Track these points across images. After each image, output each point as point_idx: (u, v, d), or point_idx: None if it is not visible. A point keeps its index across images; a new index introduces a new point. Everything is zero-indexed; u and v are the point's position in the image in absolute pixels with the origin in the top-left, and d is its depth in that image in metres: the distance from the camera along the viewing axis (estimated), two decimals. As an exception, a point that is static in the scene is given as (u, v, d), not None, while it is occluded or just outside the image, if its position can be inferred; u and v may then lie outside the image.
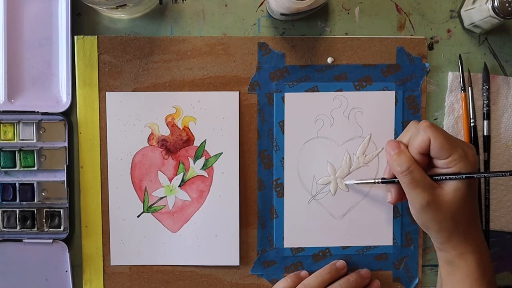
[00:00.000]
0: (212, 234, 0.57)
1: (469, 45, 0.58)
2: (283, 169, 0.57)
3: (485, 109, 0.58)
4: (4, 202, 0.56)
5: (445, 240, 0.50)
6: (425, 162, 0.50)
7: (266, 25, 0.57)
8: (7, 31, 0.55)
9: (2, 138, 0.56)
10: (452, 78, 0.58)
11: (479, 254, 0.50)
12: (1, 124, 0.56)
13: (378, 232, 0.58)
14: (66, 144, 0.56)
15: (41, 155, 0.56)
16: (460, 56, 0.58)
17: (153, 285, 0.58)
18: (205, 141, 0.56)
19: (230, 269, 0.58)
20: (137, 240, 0.57)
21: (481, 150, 0.58)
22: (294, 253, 0.58)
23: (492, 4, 0.52)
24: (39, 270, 0.57)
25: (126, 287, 0.57)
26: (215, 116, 0.56)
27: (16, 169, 0.56)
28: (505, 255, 0.60)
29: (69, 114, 0.56)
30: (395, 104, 0.57)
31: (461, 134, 0.58)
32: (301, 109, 0.57)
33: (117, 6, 0.50)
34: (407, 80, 0.57)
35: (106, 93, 0.56)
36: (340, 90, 0.57)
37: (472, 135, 0.57)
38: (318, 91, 0.57)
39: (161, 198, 0.57)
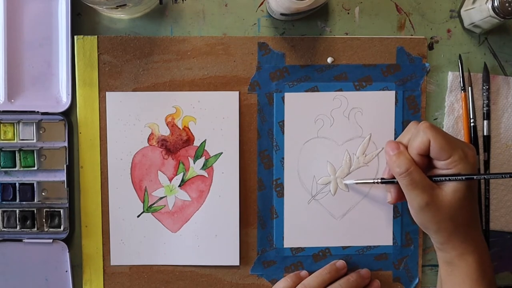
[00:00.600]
0: (212, 234, 0.57)
1: (469, 45, 0.58)
2: (283, 169, 0.57)
3: (485, 109, 0.58)
4: (4, 202, 0.56)
5: (444, 240, 0.50)
6: (425, 163, 0.50)
7: (266, 25, 0.57)
8: (7, 31, 0.55)
9: (2, 138, 0.56)
10: (452, 78, 0.58)
11: (479, 255, 0.50)
12: (1, 124, 0.56)
13: (378, 232, 0.58)
14: (66, 144, 0.56)
15: (41, 155, 0.56)
16: (460, 56, 0.58)
17: (153, 285, 0.58)
18: (205, 141, 0.56)
19: (230, 269, 0.58)
20: (137, 240, 0.57)
21: (481, 150, 0.58)
22: (294, 253, 0.58)
23: (492, 4, 0.52)
24: (39, 270, 0.57)
25: (126, 287, 0.57)
26: (215, 116, 0.56)
27: (16, 169, 0.56)
28: (505, 255, 0.60)
29: (69, 114, 0.56)
30: (395, 104, 0.57)
31: (461, 134, 0.58)
32: (301, 109, 0.57)
33: (117, 6, 0.50)
34: (407, 80, 0.57)
35: (106, 93, 0.56)
36: (340, 90, 0.57)
37: (472, 135, 0.57)
38: (318, 91, 0.57)
39: (161, 198, 0.57)
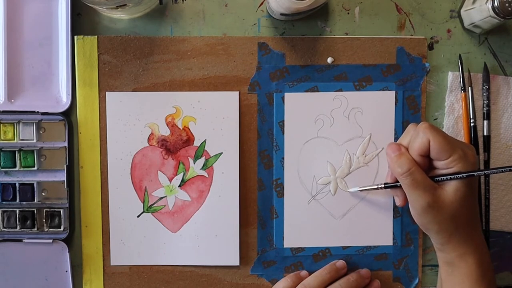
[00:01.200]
0: (212, 234, 0.57)
1: (469, 45, 0.58)
2: (283, 169, 0.57)
3: (485, 109, 0.58)
4: (4, 202, 0.56)
5: (445, 241, 0.50)
6: (425, 164, 0.50)
7: (266, 25, 0.57)
8: (7, 31, 0.55)
9: (2, 138, 0.56)
10: (452, 78, 0.58)
11: (479, 255, 0.50)
12: (1, 124, 0.56)
13: (378, 232, 0.58)
14: (66, 144, 0.56)
15: (41, 155, 0.56)
16: (460, 56, 0.58)
17: (153, 285, 0.58)
18: (205, 141, 0.56)
19: (230, 269, 0.58)
20: (137, 240, 0.57)
21: (481, 150, 0.58)
22: (294, 253, 0.58)
23: (492, 4, 0.52)
24: (39, 270, 0.57)
25: (126, 287, 0.57)
26: (215, 116, 0.56)
27: (16, 169, 0.56)
28: (505, 255, 0.60)
29: (69, 114, 0.56)
30: (395, 104, 0.57)
31: (461, 134, 0.58)
32: (301, 109, 0.57)
33: (117, 6, 0.50)
34: (407, 80, 0.57)
35: (106, 93, 0.56)
36: (340, 90, 0.57)
37: (472, 135, 0.57)
38: (318, 91, 0.57)
39: (161, 198, 0.57)
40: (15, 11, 0.55)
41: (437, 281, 0.58)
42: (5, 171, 0.56)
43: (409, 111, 0.57)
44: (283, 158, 0.57)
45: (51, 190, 0.56)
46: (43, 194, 0.56)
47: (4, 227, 0.56)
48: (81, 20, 0.56)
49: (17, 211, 0.56)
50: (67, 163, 0.56)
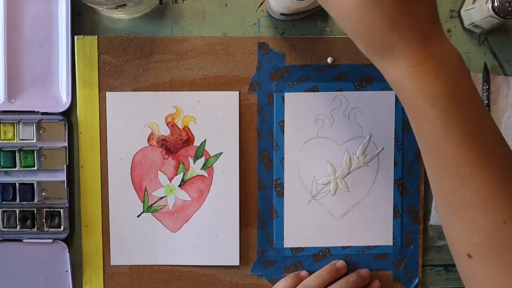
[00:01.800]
0: (212, 234, 0.57)
1: (469, 45, 0.58)
2: (283, 169, 0.57)
3: (485, 109, 0.57)
4: (4, 202, 0.56)
5: (396, 38, 0.34)
6: None
7: (266, 25, 0.57)
8: (7, 31, 0.55)
9: (2, 138, 0.56)
10: (452, 78, 0.58)
11: (450, 69, 0.34)
12: (1, 124, 0.56)
13: (378, 232, 0.58)
14: (66, 144, 0.56)
15: (41, 155, 0.56)
16: (460, 56, 0.58)
17: (153, 285, 0.58)
18: (205, 141, 0.56)
19: (230, 269, 0.58)
20: (137, 240, 0.57)
21: (481, 150, 0.58)
22: (294, 253, 0.58)
23: (492, 4, 0.52)
24: (39, 270, 0.57)
25: (126, 287, 0.57)
26: (215, 116, 0.56)
27: (16, 169, 0.56)
28: (505, 255, 0.60)
29: (69, 114, 0.56)
30: (395, 104, 0.57)
31: (461, 134, 0.58)
32: (301, 109, 0.57)
33: (117, 6, 0.50)
34: (407, 80, 0.57)
35: (106, 93, 0.56)
36: (340, 90, 0.57)
37: (472, 135, 0.57)
38: (318, 91, 0.57)
39: (161, 198, 0.57)
40: (15, 11, 0.55)
41: (437, 282, 0.59)
42: (5, 171, 0.56)
43: (409, 111, 0.57)
44: (283, 158, 0.57)
45: (51, 190, 0.56)
46: (43, 194, 0.56)
47: (4, 227, 0.56)
48: (81, 20, 0.56)
49: (17, 211, 0.56)
50: (67, 163, 0.56)
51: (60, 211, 0.56)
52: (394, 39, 0.35)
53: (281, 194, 0.57)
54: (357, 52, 0.57)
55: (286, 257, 0.58)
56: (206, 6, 0.56)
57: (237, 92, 0.56)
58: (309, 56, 0.57)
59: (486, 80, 0.57)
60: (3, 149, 0.56)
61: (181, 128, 0.56)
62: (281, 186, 0.57)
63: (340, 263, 0.57)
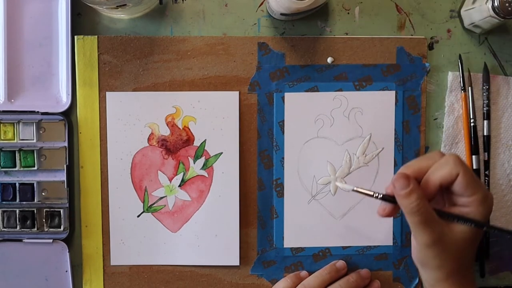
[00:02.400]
0: (212, 234, 0.57)
1: (469, 45, 0.58)
2: (283, 169, 0.57)
3: (485, 109, 0.58)
4: (4, 202, 0.56)
5: (442, 277, 0.47)
6: (440, 195, 0.48)
7: (266, 25, 0.57)
8: (7, 31, 0.55)
9: (2, 138, 0.56)
10: (452, 78, 0.58)
11: None
12: (1, 124, 0.56)
13: (378, 232, 0.58)
14: (66, 144, 0.56)
15: (41, 155, 0.56)
16: (460, 56, 0.58)
17: (153, 285, 0.58)
18: (205, 141, 0.56)
19: (230, 269, 0.58)
20: (137, 240, 0.57)
21: (481, 150, 0.58)
22: (294, 253, 0.58)
23: (492, 4, 0.52)
24: (39, 270, 0.57)
25: (126, 287, 0.57)
26: (215, 116, 0.56)
27: (16, 169, 0.56)
28: (505, 255, 0.60)
29: (69, 114, 0.56)
30: (395, 104, 0.57)
31: (461, 134, 0.58)
32: (301, 109, 0.57)
33: (117, 6, 0.50)
34: (407, 80, 0.57)
35: (106, 93, 0.56)
36: (340, 90, 0.57)
37: (472, 135, 0.57)
38: (318, 91, 0.57)
39: (161, 198, 0.57)
40: (15, 11, 0.55)
41: None
42: (5, 171, 0.56)
43: (409, 111, 0.57)
44: (283, 158, 0.57)
45: (51, 190, 0.56)
46: (43, 194, 0.56)
47: (4, 227, 0.56)
48: (81, 20, 0.56)
49: (17, 211, 0.56)
50: (67, 163, 0.56)
51: (60, 211, 0.56)
52: (441, 278, 0.48)
53: (281, 194, 0.57)
54: (357, 52, 0.57)
55: (286, 257, 0.58)
56: (206, 6, 0.56)
57: (237, 92, 0.56)
58: (309, 56, 0.57)
59: (486, 80, 0.57)
60: (3, 149, 0.56)
61: (181, 128, 0.56)
62: (281, 186, 0.57)
63: (340, 263, 0.57)
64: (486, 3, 0.53)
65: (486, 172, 0.58)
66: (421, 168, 0.46)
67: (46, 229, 0.56)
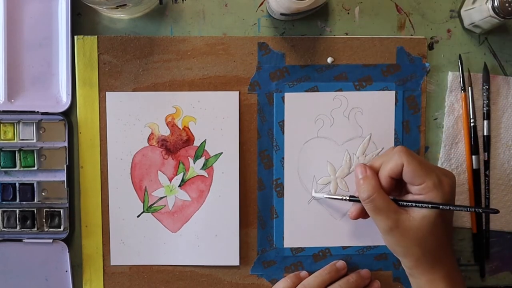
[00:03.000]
0: (212, 234, 0.57)
1: (469, 45, 0.58)
2: (283, 169, 0.57)
3: (485, 109, 0.58)
4: (4, 202, 0.56)
5: (412, 265, 0.50)
6: (397, 186, 0.51)
7: (266, 25, 0.57)
8: (7, 31, 0.55)
9: (2, 138, 0.56)
10: (452, 78, 0.58)
11: (451, 281, 0.49)
12: (1, 124, 0.56)
13: (378, 232, 0.58)
14: (66, 144, 0.56)
15: (41, 155, 0.56)
16: (460, 56, 0.58)
17: (153, 285, 0.58)
18: (205, 141, 0.56)
19: (230, 269, 0.58)
20: (137, 240, 0.57)
21: (481, 150, 0.58)
22: (294, 253, 0.58)
23: (492, 4, 0.52)
24: (39, 270, 0.57)
25: (126, 287, 0.57)
26: (215, 116, 0.56)
27: (16, 169, 0.56)
28: (505, 255, 0.60)
29: (69, 114, 0.56)
30: (395, 104, 0.57)
31: (461, 134, 0.58)
32: (301, 109, 0.57)
33: (117, 6, 0.50)
34: (407, 80, 0.57)
35: (106, 93, 0.56)
36: (340, 90, 0.57)
37: (472, 135, 0.57)
38: (318, 91, 0.57)
39: (161, 198, 0.57)
40: (15, 11, 0.55)
41: None
42: (5, 171, 0.56)
43: (409, 111, 0.57)
44: (283, 158, 0.57)
45: (51, 190, 0.56)
46: (43, 194, 0.56)
47: (4, 227, 0.56)
48: (81, 20, 0.56)
49: (17, 211, 0.56)
50: (67, 163, 0.56)
51: (60, 211, 0.56)
52: (411, 265, 0.50)
53: (281, 194, 0.57)
54: (357, 52, 0.57)
55: (286, 257, 0.58)
56: (206, 6, 0.56)
57: (237, 92, 0.56)
58: (309, 56, 0.57)
59: (486, 80, 0.57)
60: (3, 149, 0.56)
61: (181, 128, 0.56)
62: (281, 186, 0.57)
63: (340, 263, 0.57)
64: (486, 3, 0.53)
65: (486, 172, 0.58)
66: (380, 163, 0.51)
67: (46, 229, 0.56)
